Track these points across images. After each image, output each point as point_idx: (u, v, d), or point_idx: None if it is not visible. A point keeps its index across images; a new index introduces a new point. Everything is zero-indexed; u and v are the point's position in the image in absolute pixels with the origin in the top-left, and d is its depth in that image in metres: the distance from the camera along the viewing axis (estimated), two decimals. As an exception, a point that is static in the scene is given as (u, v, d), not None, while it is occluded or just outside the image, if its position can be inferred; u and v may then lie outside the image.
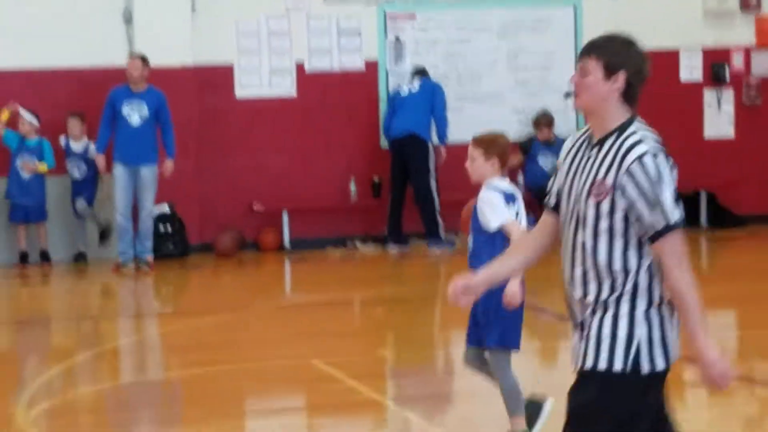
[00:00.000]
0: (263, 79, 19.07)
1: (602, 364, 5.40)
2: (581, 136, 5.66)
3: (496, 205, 8.51)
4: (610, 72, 5.46)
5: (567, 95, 4.90)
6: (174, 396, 11.25)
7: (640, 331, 5.41)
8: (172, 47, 18.27)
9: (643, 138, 5.41)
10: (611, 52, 5.51)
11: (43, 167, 17.69)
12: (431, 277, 17.30)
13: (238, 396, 11.09)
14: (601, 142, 5.46)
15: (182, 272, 17.70)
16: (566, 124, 19.55)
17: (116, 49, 18.00)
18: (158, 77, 17.84)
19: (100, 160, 17.60)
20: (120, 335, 14.11)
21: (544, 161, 19.41)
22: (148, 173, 17.43)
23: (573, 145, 5.66)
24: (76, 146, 18.00)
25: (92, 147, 17.83)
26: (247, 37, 18.95)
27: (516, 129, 19.58)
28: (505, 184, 8.70)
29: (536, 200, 19.08)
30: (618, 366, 5.40)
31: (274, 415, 10.61)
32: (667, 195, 5.31)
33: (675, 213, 5.31)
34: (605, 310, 5.47)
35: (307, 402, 10.98)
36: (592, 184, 5.39)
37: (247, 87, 19.03)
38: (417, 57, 19.41)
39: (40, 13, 18.06)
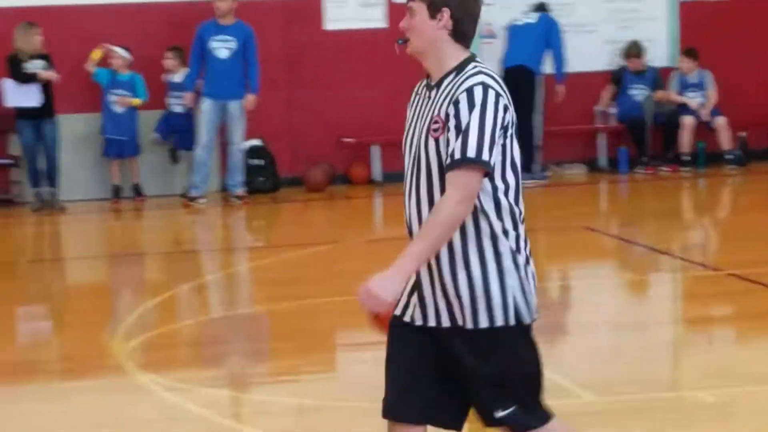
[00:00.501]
0: (352, 10, 19.06)
1: (488, 321, 5.29)
2: (421, 83, 5.46)
3: None
4: (434, 11, 5.27)
5: (400, 41, 4.73)
6: (266, 329, 11.39)
7: (511, 282, 5.28)
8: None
9: (481, 73, 5.22)
10: None
11: (136, 101, 17.83)
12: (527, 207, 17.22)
13: (330, 330, 11.17)
14: (438, 84, 5.30)
15: (273, 206, 17.82)
16: (657, 53, 19.58)
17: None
18: (246, 11, 17.91)
19: (188, 95, 17.75)
20: (212, 269, 14.23)
21: (635, 91, 19.36)
22: (236, 108, 17.54)
23: (414, 94, 5.48)
24: (177, 79, 18.09)
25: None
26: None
27: (607, 60, 19.57)
28: None
29: (629, 131, 19.12)
30: (488, 320, 5.29)
31: (365, 348, 10.67)
32: (478, 128, 5.09)
33: (476, 150, 5.07)
34: (472, 257, 5.28)
35: None
36: (430, 122, 5.22)
37: (335, 20, 19.00)
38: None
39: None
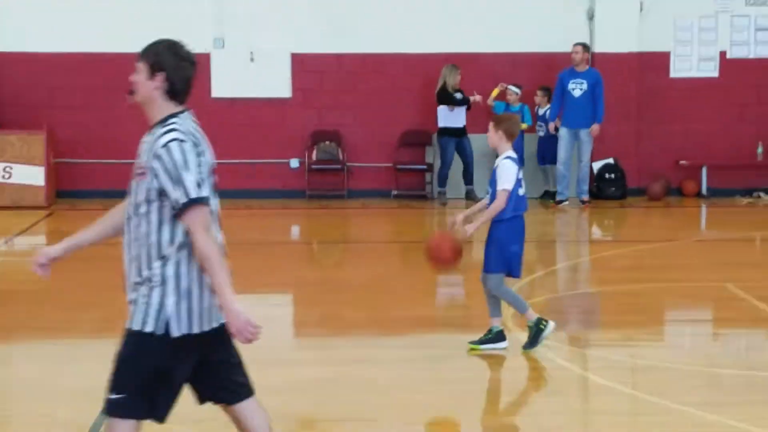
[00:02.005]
0: (693, 63, 18.73)
1: (138, 326, 4.97)
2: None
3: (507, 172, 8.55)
4: (152, 73, 5.05)
5: (130, 92, 4.57)
6: (610, 305, 11.17)
7: (171, 300, 4.96)
8: (622, 37, 18.26)
9: (176, 128, 4.95)
10: (153, 56, 5.09)
11: (524, 125, 18.01)
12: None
13: (664, 307, 11.10)
14: (151, 131, 5.03)
15: (620, 210, 17.67)
16: None
17: (570, 39, 17.91)
18: (608, 60, 17.91)
19: (551, 125, 17.82)
20: (569, 257, 14.25)
21: None
22: (585, 134, 17.50)
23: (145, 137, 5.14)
24: (541, 112, 18.25)
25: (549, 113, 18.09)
26: (683, 30, 18.62)
27: None
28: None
29: None
30: (140, 326, 4.97)
31: (691, 323, 10.61)
32: (188, 175, 4.85)
33: (196, 191, 4.85)
34: (155, 281, 4.97)
35: (716, 315, 10.84)
36: (138, 166, 4.99)
37: (679, 70, 18.69)
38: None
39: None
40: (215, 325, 5.06)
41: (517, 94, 17.98)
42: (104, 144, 18.02)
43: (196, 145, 4.98)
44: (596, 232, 16.17)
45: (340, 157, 18.44)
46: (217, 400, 5.32)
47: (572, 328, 10.19)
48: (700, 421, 7.16)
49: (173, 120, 5.04)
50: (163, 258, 4.97)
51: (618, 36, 18.28)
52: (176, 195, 4.87)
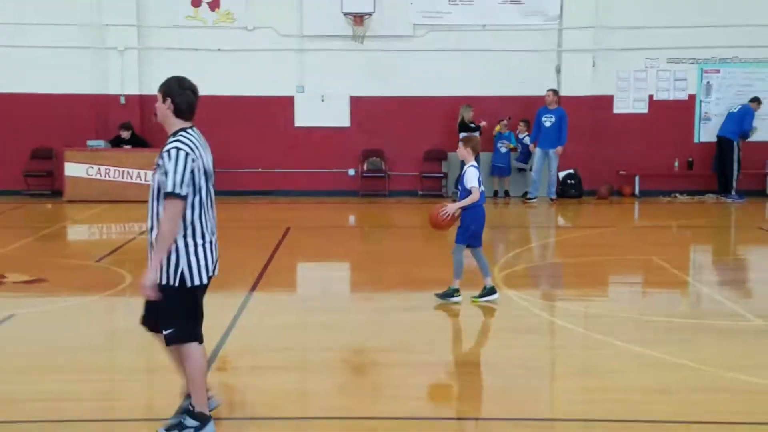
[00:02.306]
0: (629, 103, 18.43)
1: (164, 281, 5.01)
2: None
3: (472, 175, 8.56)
4: (164, 98, 5.08)
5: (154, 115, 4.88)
6: (570, 271, 11.03)
7: (184, 259, 4.99)
8: (580, 84, 18.13)
9: (180, 140, 4.94)
10: (165, 87, 5.11)
11: (510, 146, 17.99)
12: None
13: (608, 273, 11.00)
14: (166, 141, 5.02)
15: (578, 206, 17.51)
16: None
17: (544, 86, 17.78)
18: (569, 101, 17.81)
19: (531, 146, 17.74)
20: (540, 238, 14.10)
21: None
22: (552, 153, 17.40)
23: None
24: (521, 137, 18.10)
25: (527, 138, 17.98)
26: (622, 80, 18.30)
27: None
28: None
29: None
30: (165, 281, 5.01)
31: (627, 286, 10.55)
32: (174, 175, 4.82)
33: (173, 186, 4.82)
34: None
35: (645, 279, 10.64)
36: (155, 163, 5.00)
37: (620, 108, 18.39)
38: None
39: (491, 66, 18.23)
40: (210, 275, 5.13)
41: (505, 125, 17.90)
42: (221, 160, 18.08)
43: (189, 153, 4.91)
44: (561, 221, 16.11)
45: (383, 167, 18.42)
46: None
47: (543, 288, 10.14)
48: (633, 353, 7.15)
49: (181, 133, 5.01)
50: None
51: (577, 83, 18.12)
52: (164, 186, 4.87)
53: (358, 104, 18.32)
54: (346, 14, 17.60)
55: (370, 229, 15.10)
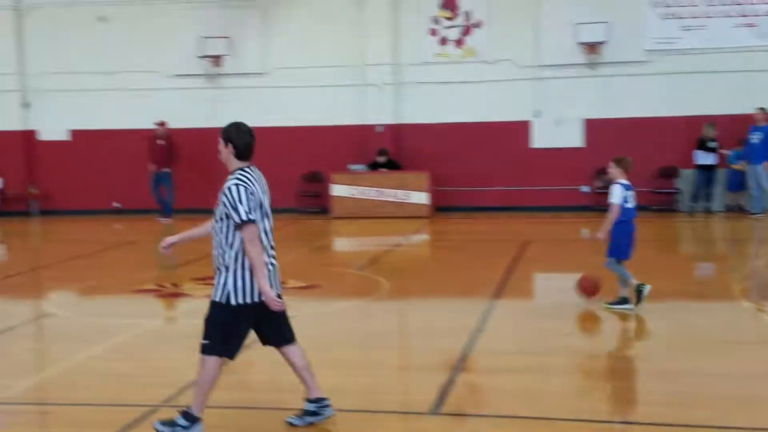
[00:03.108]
0: None
1: (215, 297, 5.14)
2: None
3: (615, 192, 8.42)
4: (225, 143, 5.18)
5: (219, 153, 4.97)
6: None
7: (231, 280, 5.08)
8: None
9: (237, 177, 5.10)
10: (225, 133, 5.19)
11: (737, 166, 16.83)
12: None
13: None
14: (228, 179, 5.13)
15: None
16: None
17: None
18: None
19: (742, 164, 16.50)
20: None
21: None
22: (760, 168, 16.09)
23: None
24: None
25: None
26: None
27: None
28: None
29: None
30: (216, 298, 5.13)
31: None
32: (241, 206, 4.98)
33: (245, 214, 4.97)
34: (224, 268, 5.11)
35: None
36: (219, 198, 5.11)
37: None
38: None
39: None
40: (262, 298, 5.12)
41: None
42: (463, 179, 18.36)
43: (247, 187, 5.06)
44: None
45: (615, 184, 17.84)
46: (271, 344, 5.43)
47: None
48: None
49: (239, 171, 5.15)
50: (228, 253, 5.10)
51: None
52: (234, 217, 5.00)
53: (591, 126, 17.93)
54: (580, 44, 17.38)
55: (603, 242, 14.64)
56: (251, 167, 5.24)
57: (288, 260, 12.21)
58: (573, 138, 17.95)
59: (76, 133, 19.36)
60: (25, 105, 19.43)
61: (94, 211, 19.19)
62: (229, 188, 5.06)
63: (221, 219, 5.11)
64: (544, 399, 5.99)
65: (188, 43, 18.65)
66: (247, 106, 18.66)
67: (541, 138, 18.05)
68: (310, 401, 5.48)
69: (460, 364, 6.74)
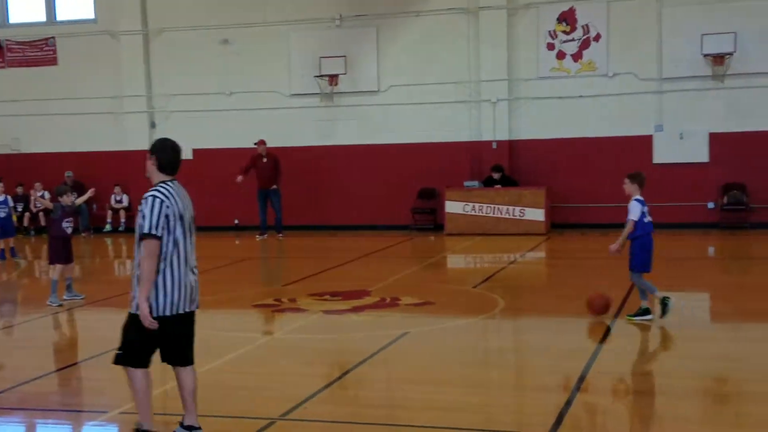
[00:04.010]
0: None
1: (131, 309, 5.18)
2: None
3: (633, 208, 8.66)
4: (150, 156, 5.25)
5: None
6: None
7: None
8: None
9: (156, 189, 5.17)
10: (152, 145, 5.29)
11: None
12: None
13: None
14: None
15: None
16: None
17: None
18: None
19: None
20: None
21: None
22: None
23: None
24: None
25: None
26: None
27: None
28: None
29: None
30: (132, 309, 5.14)
31: None
32: (147, 217, 5.04)
33: (148, 228, 5.03)
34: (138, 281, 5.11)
35: None
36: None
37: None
38: None
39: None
40: (179, 311, 5.15)
41: None
42: (580, 195, 18.03)
43: (163, 201, 5.09)
44: None
45: (744, 200, 17.13)
46: (170, 361, 5.33)
47: None
48: None
49: (160, 185, 5.20)
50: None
51: None
52: (141, 228, 5.08)
53: (717, 140, 17.30)
54: (705, 56, 16.86)
55: (731, 261, 14.11)
56: (173, 182, 5.29)
57: (402, 277, 12.29)
58: (698, 152, 17.37)
59: (198, 152, 20.12)
60: (152, 125, 20.34)
61: (216, 227, 19.85)
62: (145, 198, 5.15)
63: (138, 227, 5.19)
64: (666, 424, 5.79)
65: (306, 62, 19.10)
66: (362, 124, 18.96)
67: (664, 152, 17.55)
68: (183, 427, 5.44)
69: (579, 385, 6.59)
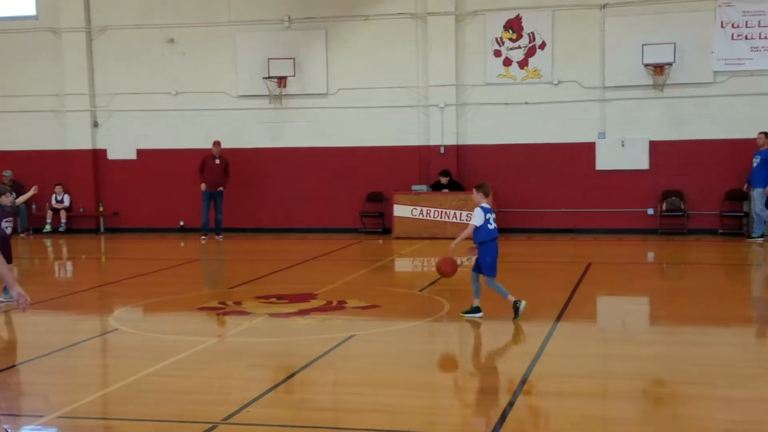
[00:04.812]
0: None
1: None
2: None
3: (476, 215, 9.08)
4: None
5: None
6: None
7: None
8: None
9: None
10: None
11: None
12: None
13: None
14: None
15: None
16: None
17: None
18: None
19: (746, 187, 16.39)
20: None
21: None
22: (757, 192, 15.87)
23: None
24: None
25: None
26: None
27: None
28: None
29: None
30: None
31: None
32: None
33: None
34: None
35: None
36: None
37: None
38: None
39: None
40: None
41: None
42: (525, 201, 18.19)
43: None
44: None
45: (682, 207, 17.51)
46: None
47: None
48: None
49: None
50: None
51: None
52: None
53: (656, 148, 17.66)
54: (646, 65, 17.18)
55: (667, 266, 14.39)
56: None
57: (349, 280, 12.27)
58: (638, 160, 17.69)
59: (142, 152, 19.82)
60: (95, 124, 19.98)
61: (160, 229, 19.58)
62: None
63: None
64: (607, 425, 5.87)
65: (254, 64, 18.98)
66: (311, 127, 18.90)
67: (606, 159, 17.84)
68: None
69: (522, 387, 6.65)
